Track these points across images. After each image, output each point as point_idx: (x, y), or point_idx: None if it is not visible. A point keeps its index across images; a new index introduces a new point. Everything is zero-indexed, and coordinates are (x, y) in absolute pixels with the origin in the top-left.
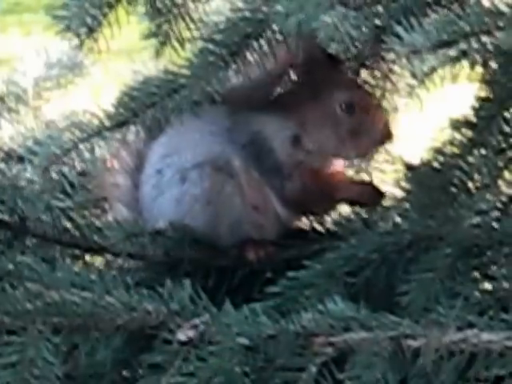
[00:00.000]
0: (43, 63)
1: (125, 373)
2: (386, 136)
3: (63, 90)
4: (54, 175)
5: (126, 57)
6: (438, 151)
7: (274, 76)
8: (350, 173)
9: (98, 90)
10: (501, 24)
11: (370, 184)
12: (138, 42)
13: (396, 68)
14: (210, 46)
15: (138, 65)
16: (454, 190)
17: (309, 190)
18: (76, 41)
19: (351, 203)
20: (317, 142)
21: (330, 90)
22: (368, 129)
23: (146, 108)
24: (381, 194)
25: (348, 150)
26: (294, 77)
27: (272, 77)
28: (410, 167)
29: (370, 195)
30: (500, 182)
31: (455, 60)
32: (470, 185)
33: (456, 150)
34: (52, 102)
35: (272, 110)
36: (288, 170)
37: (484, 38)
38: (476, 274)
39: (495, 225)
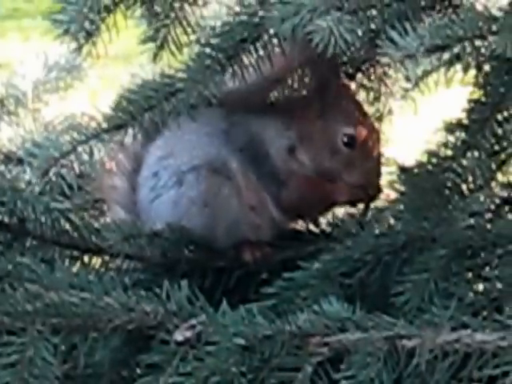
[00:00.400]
0: (42, 67)
1: (123, 372)
2: (376, 179)
3: (62, 93)
4: (53, 177)
5: (123, 60)
6: (432, 153)
7: (271, 80)
8: None
9: (95, 93)
10: (494, 28)
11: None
12: (135, 46)
13: (390, 72)
14: (207, 50)
15: (135, 68)
16: (447, 191)
17: (304, 196)
18: (75, 45)
19: (346, 203)
20: (311, 159)
21: (337, 115)
22: (361, 167)
23: (144, 111)
24: (378, 190)
25: (337, 177)
26: (302, 87)
27: (269, 81)
28: (404, 169)
29: (363, 194)
30: (493, 184)
31: (449, 64)
32: (464, 187)
33: (450, 153)
34: (51, 105)
35: (272, 114)
36: (284, 176)
37: (477, 42)
38: (470, 274)
39: (489, 226)
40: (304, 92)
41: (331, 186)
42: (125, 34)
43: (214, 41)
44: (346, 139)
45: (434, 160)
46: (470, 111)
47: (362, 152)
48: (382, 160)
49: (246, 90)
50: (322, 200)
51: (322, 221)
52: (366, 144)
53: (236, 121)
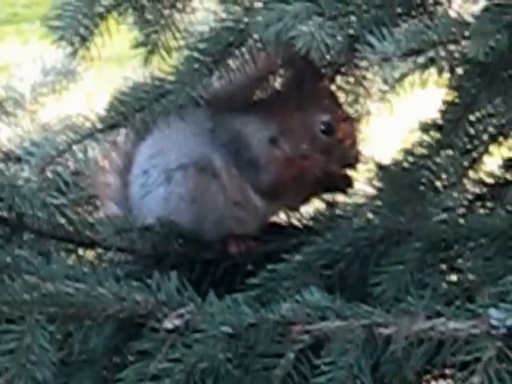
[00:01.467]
0: (39, 70)
1: (115, 359)
2: (354, 160)
3: (58, 95)
4: (50, 174)
5: (116, 63)
6: (408, 152)
7: (254, 80)
8: None
9: (90, 95)
10: (466, 33)
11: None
12: (127, 50)
13: (369, 74)
14: (195, 54)
15: (128, 71)
16: (422, 188)
17: (283, 176)
18: (70, 49)
19: (325, 190)
20: (291, 149)
21: (314, 106)
22: (339, 151)
23: (136, 112)
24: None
25: (318, 164)
26: (280, 84)
27: (252, 81)
28: (381, 167)
29: (342, 180)
30: (465, 181)
31: (424, 67)
32: (438, 183)
33: (424, 151)
34: (47, 106)
35: (254, 111)
36: (264, 162)
37: (451, 47)
38: (443, 266)
39: (461, 221)
40: (282, 87)
41: (307, 162)
42: (118, 38)
43: (201, 45)
44: (323, 127)
45: (409, 158)
46: (444, 112)
47: (339, 138)
48: (360, 145)
49: (231, 90)
50: (300, 178)
51: (304, 215)
52: (342, 130)
53: (221, 120)
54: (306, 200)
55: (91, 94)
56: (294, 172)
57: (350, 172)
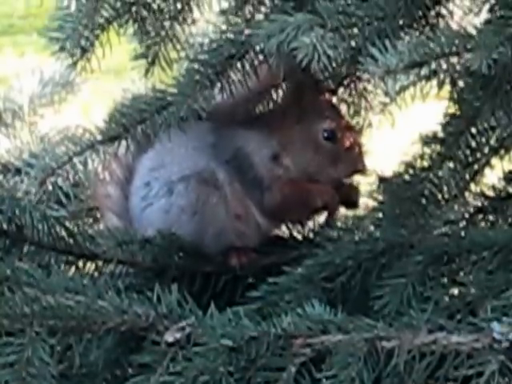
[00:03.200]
0: (38, 82)
1: (116, 372)
2: (361, 167)
3: (56, 107)
4: (50, 186)
5: (114, 75)
6: (409, 165)
7: (256, 93)
8: None
9: (88, 107)
10: (469, 46)
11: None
12: (126, 61)
13: (370, 87)
14: (196, 66)
15: (126, 83)
16: (424, 201)
17: (287, 199)
18: (70, 61)
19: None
20: (296, 162)
21: (314, 116)
22: (346, 158)
23: (137, 124)
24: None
25: (324, 174)
26: (280, 98)
27: (254, 94)
28: (383, 179)
29: (345, 197)
30: (467, 194)
31: (426, 79)
32: (439, 196)
33: (426, 164)
34: (46, 118)
35: (255, 127)
36: (267, 182)
37: (453, 59)
38: (445, 279)
39: (463, 234)
40: (283, 101)
41: (314, 187)
42: (116, 49)
43: (202, 57)
44: (326, 134)
45: (411, 171)
46: (445, 125)
47: (343, 144)
48: (363, 150)
49: (232, 103)
50: (306, 201)
51: (305, 228)
52: (346, 136)
53: (222, 135)
54: (309, 217)
55: (89, 105)
56: (298, 193)
57: (356, 183)
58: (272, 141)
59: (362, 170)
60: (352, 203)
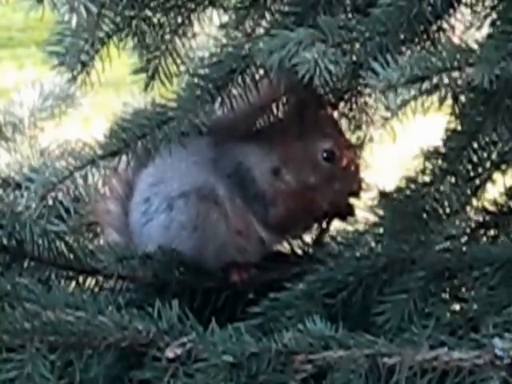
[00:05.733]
0: (38, 95)
1: None
2: (356, 189)
3: (56, 120)
4: (50, 201)
5: (113, 88)
6: (411, 179)
7: (257, 108)
8: None
9: (87, 120)
10: (470, 60)
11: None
12: (125, 74)
13: (371, 101)
14: (197, 81)
15: (126, 96)
16: (425, 216)
17: (291, 212)
18: (70, 74)
19: (328, 218)
20: (295, 178)
21: (315, 134)
22: (342, 179)
23: (137, 139)
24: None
25: (320, 192)
26: (281, 113)
27: (254, 108)
28: (384, 194)
29: (344, 207)
30: (468, 209)
31: (427, 94)
32: (441, 211)
33: (427, 179)
34: (46, 132)
35: (256, 141)
36: (271, 196)
37: (455, 74)
38: (447, 295)
39: (464, 249)
40: (284, 116)
41: (314, 198)
42: (115, 63)
43: (203, 71)
44: (325, 154)
45: (412, 186)
46: (447, 140)
47: (341, 165)
48: (361, 171)
49: (233, 118)
50: (308, 212)
51: (306, 243)
52: (344, 157)
53: (223, 149)
54: (308, 228)
55: (89, 118)
56: (302, 206)
57: (352, 200)
58: (273, 155)
59: (356, 192)
60: (346, 215)
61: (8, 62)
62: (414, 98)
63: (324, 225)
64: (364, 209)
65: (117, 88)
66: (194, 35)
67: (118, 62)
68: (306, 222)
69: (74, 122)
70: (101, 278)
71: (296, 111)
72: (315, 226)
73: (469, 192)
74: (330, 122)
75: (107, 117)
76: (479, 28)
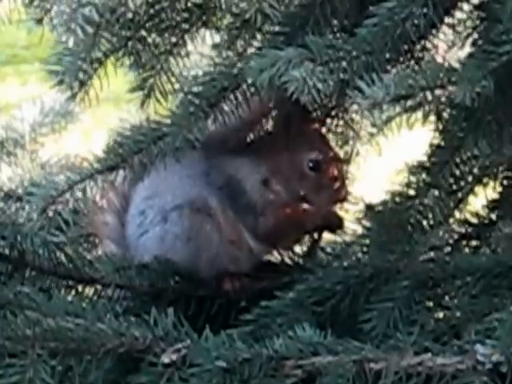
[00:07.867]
0: (39, 111)
1: None
2: (342, 197)
3: (57, 135)
4: (50, 213)
5: (112, 103)
6: (396, 193)
7: (247, 123)
8: None
9: (87, 133)
10: (453, 79)
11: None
12: (123, 90)
13: (357, 118)
14: (191, 98)
15: (124, 112)
16: (410, 227)
17: (281, 223)
18: (69, 93)
19: (318, 230)
20: (283, 188)
21: (302, 145)
22: (328, 187)
23: (134, 154)
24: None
25: (308, 201)
26: (270, 127)
27: (245, 123)
28: (370, 207)
29: (334, 220)
30: (451, 221)
31: (411, 111)
32: (425, 223)
33: (412, 192)
34: (47, 146)
35: (246, 154)
36: (261, 207)
37: (438, 92)
38: (431, 303)
39: (448, 259)
40: (272, 129)
41: (306, 209)
42: (115, 77)
43: (197, 89)
44: (311, 164)
45: (397, 199)
46: (431, 155)
47: (327, 174)
48: (348, 184)
49: (225, 132)
50: (298, 223)
51: (296, 253)
52: (330, 166)
53: (215, 163)
54: (298, 240)
55: (88, 132)
56: (291, 215)
57: (340, 212)
58: (262, 167)
59: (342, 200)
60: (335, 228)
61: (12, 78)
62: (399, 114)
63: (315, 236)
64: (351, 221)
65: (117, 102)
66: (188, 55)
67: (118, 77)
68: (295, 232)
69: (75, 136)
70: (99, 287)
71: (283, 124)
72: (306, 238)
73: (452, 205)
74: (317, 135)
75: (107, 130)
76: (461, 47)
